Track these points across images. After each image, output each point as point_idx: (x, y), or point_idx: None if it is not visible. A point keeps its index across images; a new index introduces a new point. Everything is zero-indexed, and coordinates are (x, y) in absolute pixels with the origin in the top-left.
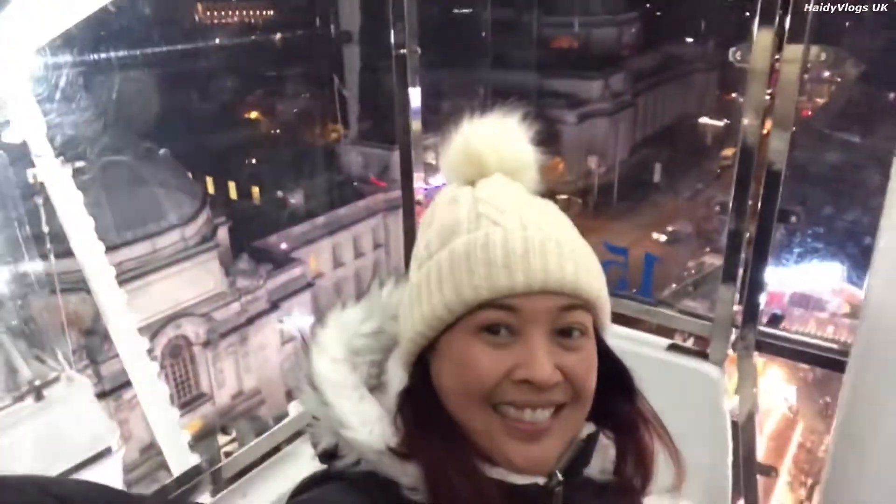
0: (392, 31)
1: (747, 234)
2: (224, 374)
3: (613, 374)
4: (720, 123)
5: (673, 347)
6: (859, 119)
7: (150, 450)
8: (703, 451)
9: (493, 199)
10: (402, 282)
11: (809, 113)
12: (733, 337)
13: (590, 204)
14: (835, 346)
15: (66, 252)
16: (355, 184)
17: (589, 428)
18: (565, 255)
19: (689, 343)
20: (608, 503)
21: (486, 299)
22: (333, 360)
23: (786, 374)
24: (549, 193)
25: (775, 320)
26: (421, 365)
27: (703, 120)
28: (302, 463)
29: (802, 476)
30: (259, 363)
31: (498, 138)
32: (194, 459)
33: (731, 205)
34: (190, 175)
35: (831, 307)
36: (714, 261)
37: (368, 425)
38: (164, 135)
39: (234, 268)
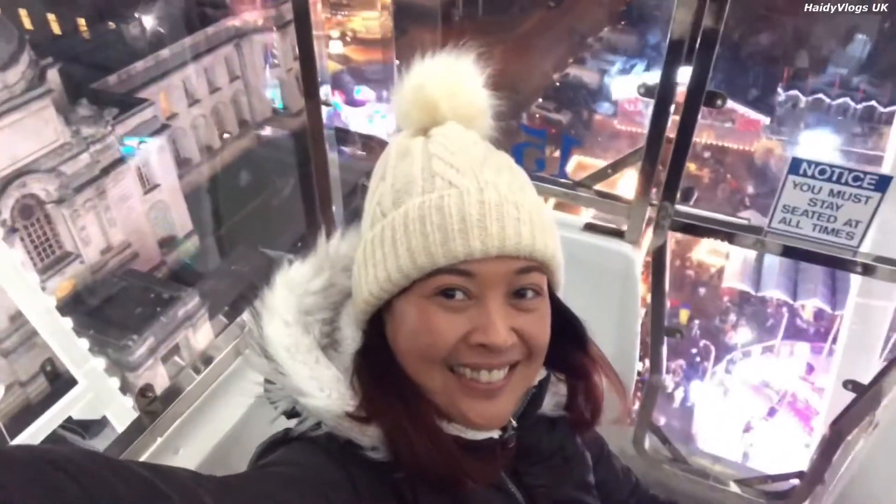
0: None
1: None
2: (87, 231)
3: (565, 325)
4: None
5: (589, 227)
6: None
7: (19, 318)
8: (615, 321)
9: (447, 155)
10: (350, 232)
11: None
12: (649, 216)
13: (455, 17)
14: (745, 222)
15: None
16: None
17: (541, 374)
18: (522, 218)
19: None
20: (560, 436)
21: (442, 266)
22: (286, 324)
23: None
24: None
25: (687, 194)
26: (375, 323)
27: None
28: (230, 406)
29: None
30: (123, 215)
31: (452, 85)
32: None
33: (658, 87)
34: None
35: None
36: (578, 72)
37: (326, 390)
38: None
39: (75, 115)
